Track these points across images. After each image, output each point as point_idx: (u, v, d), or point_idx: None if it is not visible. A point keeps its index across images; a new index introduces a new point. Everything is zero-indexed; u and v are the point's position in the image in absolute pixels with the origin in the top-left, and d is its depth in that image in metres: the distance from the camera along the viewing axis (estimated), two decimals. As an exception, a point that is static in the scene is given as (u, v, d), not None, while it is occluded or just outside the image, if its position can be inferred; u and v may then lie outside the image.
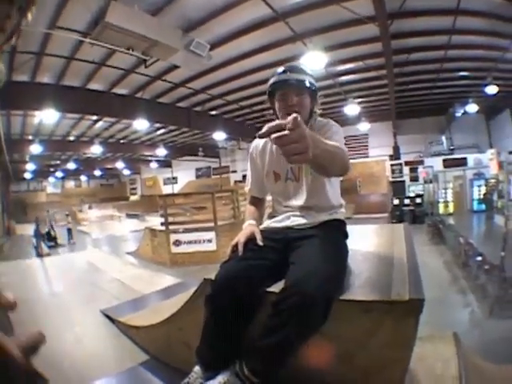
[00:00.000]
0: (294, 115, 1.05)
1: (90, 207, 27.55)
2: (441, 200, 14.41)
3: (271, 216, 2.03)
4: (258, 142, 2.04)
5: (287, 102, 1.79)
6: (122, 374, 2.45)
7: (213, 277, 1.66)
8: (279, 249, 1.75)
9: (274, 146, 1.94)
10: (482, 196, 14.37)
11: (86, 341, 3.27)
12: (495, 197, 12.41)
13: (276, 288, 1.55)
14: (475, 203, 14.63)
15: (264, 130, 1.10)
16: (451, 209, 14.65)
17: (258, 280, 1.61)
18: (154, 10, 6.79)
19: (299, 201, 1.90)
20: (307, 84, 1.80)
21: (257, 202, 2.12)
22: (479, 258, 6.09)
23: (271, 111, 1.93)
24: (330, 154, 1.35)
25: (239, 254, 1.71)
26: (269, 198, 2.14)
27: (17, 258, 8.33)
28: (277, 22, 7.65)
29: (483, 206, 14.05)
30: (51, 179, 32.86)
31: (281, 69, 1.87)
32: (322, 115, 1.96)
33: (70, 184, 36.07)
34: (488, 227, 11.88)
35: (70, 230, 16.20)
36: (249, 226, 1.88)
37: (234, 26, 7.96)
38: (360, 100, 14.29)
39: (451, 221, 11.34)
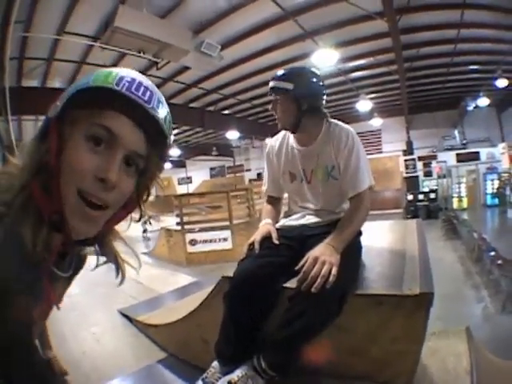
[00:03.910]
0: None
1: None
2: (455, 195, 14.31)
3: (287, 215, 2.09)
4: (275, 143, 2.08)
5: (273, 108, 1.95)
6: (139, 372, 2.45)
7: (231, 274, 1.71)
8: (295, 246, 1.79)
9: (290, 147, 2.00)
10: (495, 190, 14.23)
11: (104, 340, 3.29)
12: (508, 191, 12.30)
13: (292, 284, 1.59)
14: (488, 197, 14.51)
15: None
16: (465, 203, 14.54)
17: (275, 276, 1.66)
18: (163, 12, 6.86)
19: (316, 205, 1.96)
20: (290, 92, 1.82)
21: (273, 201, 2.14)
22: (492, 253, 6.06)
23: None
24: (353, 234, 1.72)
25: (256, 252, 1.75)
26: (285, 195, 2.18)
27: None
28: (286, 21, 7.65)
29: (496, 201, 13.93)
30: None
31: (275, 74, 1.94)
32: (332, 117, 1.96)
33: (85, 185, 36.22)
34: (501, 222, 11.78)
35: None
36: (265, 225, 1.91)
37: (243, 26, 7.99)
38: (372, 96, 14.16)
39: (465, 216, 11.27)
